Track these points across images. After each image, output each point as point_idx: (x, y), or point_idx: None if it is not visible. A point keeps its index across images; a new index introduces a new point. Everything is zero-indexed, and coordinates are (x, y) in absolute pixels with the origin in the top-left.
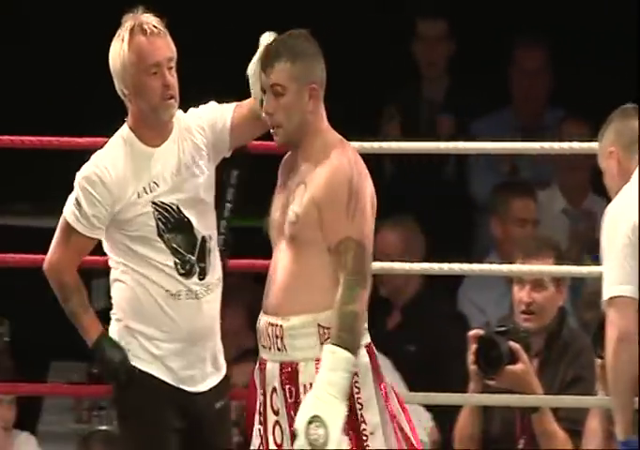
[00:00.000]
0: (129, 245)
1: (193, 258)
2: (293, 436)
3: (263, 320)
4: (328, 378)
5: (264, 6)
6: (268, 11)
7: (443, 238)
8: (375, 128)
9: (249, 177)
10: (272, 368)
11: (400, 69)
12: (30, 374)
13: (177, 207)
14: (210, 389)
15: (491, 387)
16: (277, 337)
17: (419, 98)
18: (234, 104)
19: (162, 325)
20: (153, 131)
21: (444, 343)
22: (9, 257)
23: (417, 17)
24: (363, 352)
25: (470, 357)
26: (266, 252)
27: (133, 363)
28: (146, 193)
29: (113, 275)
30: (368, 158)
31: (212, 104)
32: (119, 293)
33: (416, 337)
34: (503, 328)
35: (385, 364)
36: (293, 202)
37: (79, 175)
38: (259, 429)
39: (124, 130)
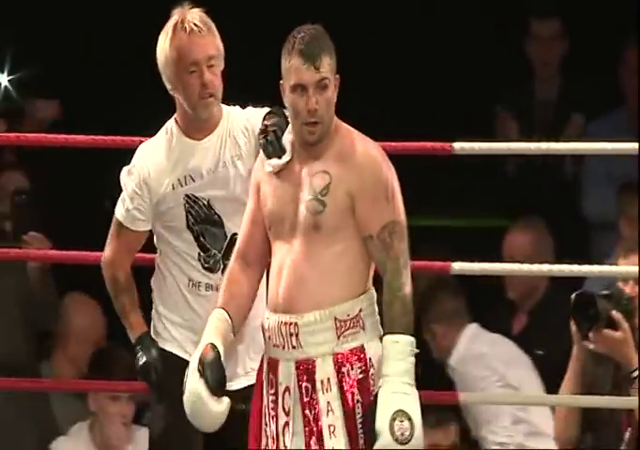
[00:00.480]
0: (164, 233)
1: (219, 254)
2: (368, 435)
3: (272, 319)
4: (398, 369)
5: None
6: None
7: (565, 240)
8: (488, 129)
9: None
10: (286, 367)
11: (512, 69)
12: None
13: (208, 202)
14: (235, 391)
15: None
16: (291, 334)
17: (532, 98)
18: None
19: (184, 313)
20: (195, 126)
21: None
22: None
23: (530, 17)
24: (378, 344)
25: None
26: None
27: (161, 345)
28: (181, 186)
29: (155, 261)
30: (486, 160)
31: (263, 110)
32: (154, 279)
33: (543, 340)
34: (606, 292)
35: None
36: (311, 193)
37: (123, 170)
38: (265, 430)
39: (171, 122)
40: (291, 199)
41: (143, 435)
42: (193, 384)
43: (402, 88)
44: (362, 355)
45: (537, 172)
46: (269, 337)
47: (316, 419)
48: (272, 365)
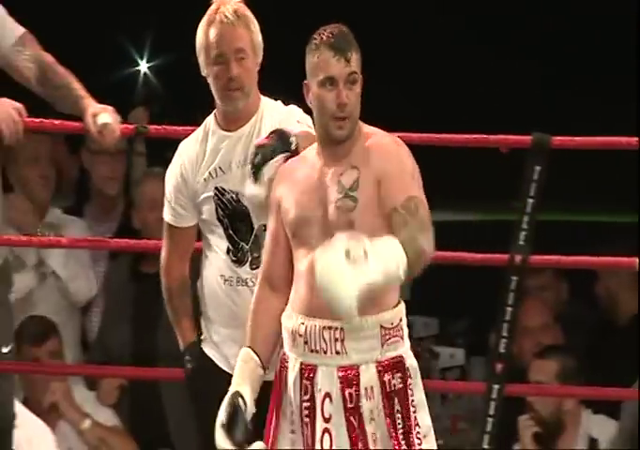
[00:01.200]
0: (200, 227)
1: (247, 246)
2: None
3: (310, 324)
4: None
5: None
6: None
7: None
8: None
9: (550, 173)
10: (326, 374)
11: None
12: None
13: (237, 195)
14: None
15: None
16: (336, 339)
17: None
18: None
19: (219, 308)
20: (227, 117)
21: None
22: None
23: None
24: (411, 354)
25: None
26: (571, 248)
27: (203, 346)
28: (212, 177)
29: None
30: None
31: (293, 110)
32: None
33: None
34: None
35: None
36: (340, 191)
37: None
38: (290, 436)
39: (211, 115)
40: (318, 202)
41: None
42: (221, 442)
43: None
44: (402, 365)
45: None
46: (306, 342)
47: (361, 426)
48: (307, 370)
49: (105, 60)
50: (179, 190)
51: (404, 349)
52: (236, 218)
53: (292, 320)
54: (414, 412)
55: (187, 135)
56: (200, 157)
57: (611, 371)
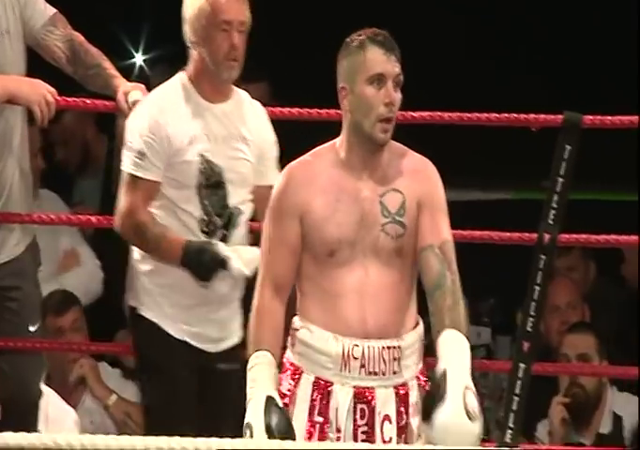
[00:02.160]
0: (163, 190)
1: (220, 222)
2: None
3: (366, 346)
4: (466, 363)
5: None
6: None
7: None
8: None
9: (580, 152)
10: (384, 395)
11: None
12: None
13: (220, 170)
14: (220, 353)
15: None
16: (395, 359)
17: None
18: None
19: (177, 276)
20: (211, 86)
21: None
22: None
23: None
24: None
25: None
26: (600, 226)
27: (143, 313)
28: (197, 143)
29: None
30: None
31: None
32: None
33: None
34: None
35: None
36: (387, 215)
37: (131, 121)
38: None
39: (182, 78)
40: (360, 222)
41: None
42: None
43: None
44: (424, 377)
45: None
46: (362, 366)
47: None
48: (362, 394)
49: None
50: (160, 143)
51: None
52: (216, 192)
53: (337, 342)
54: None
55: None
56: (184, 118)
57: (636, 350)
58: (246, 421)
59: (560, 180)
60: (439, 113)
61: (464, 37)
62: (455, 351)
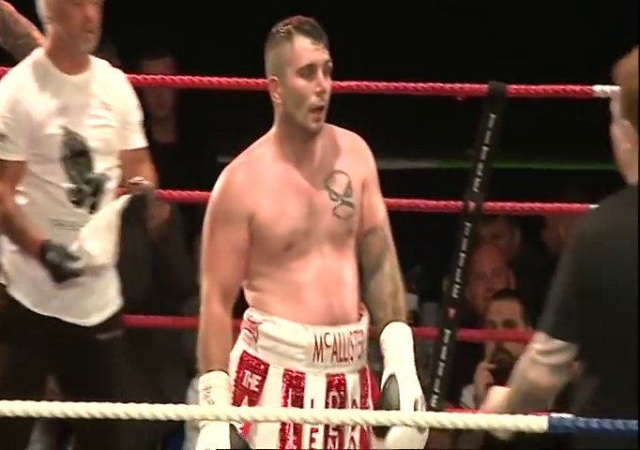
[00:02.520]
0: (29, 167)
1: (88, 190)
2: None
3: (336, 332)
4: (410, 355)
5: None
6: None
7: None
8: None
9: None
10: (353, 381)
11: None
12: None
13: (83, 139)
14: (101, 323)
15: None
16: (359, 343)
17: None
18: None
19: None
20: (69, 59)
21: None
22: None
23: None
24: None
25: None
26: (528, 195)
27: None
28: (58, 115)
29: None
30: None
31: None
32: None
33: None
34: None
35: None
36: (335, 198)
37: None
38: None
39: (39, 55)
40: (309, 210)
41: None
42: None
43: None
44: None
45: None
46: (335, 353)
47: (368, 428)
48: (334, 381)
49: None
50: (19, 121)
51: None
52: (80, 161)
53: (306, 333)
54: None
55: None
56: (43, 93)
57: None
58: (205, 447)
59: (485, 149)
60: (366, 83)
61: (396, 7)
62: (401, 348)
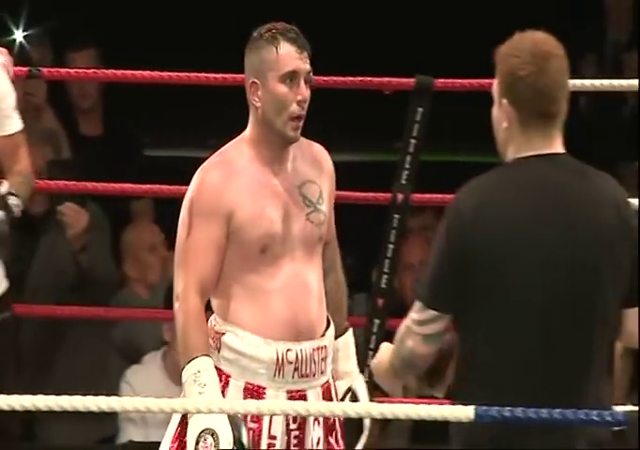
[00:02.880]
0: None
1: None
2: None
3: (299, 348)
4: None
5: None
6: None
7: None
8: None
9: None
10: (314, 396)
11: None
12: None
13: None
14: None
15: None
16: (322, 359)
17: (604, 39)
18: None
19: None
20: None
21: None
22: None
23: None
24: None
25: None
26: (455, 187)
27: None
28: None
29: None
30: None
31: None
32: None
33: None
34: None
35: None
36: (309, 204)
37: None
38: None
39: None
40: (286, 215)
41: None
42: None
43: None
44: None
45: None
46: (296, 369)
47: (337, 442)
48: (295, 397)
49: None
50: None
51: None
52: None
53: (269, 348)
54: None
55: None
56: None
57: None
58: (204, 426)
59: (413, 141)
60: None
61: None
62: (354, 359)
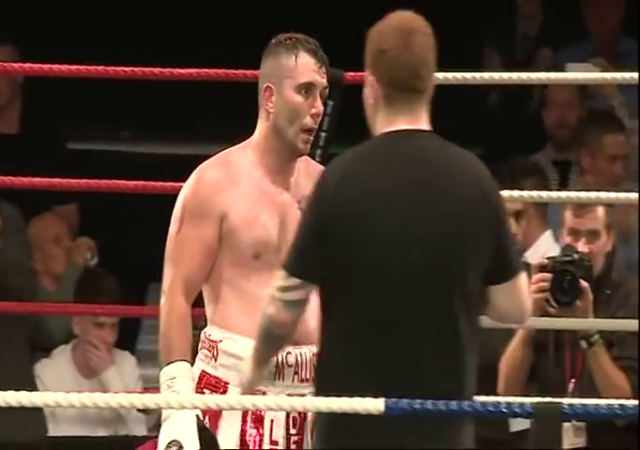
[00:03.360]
0: None
1: None
2: None
3: (299, 352)
4: None
5: None
6: None
7: None
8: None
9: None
10: None
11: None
12: (129, 296)
13: None
14: None
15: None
16: (314, 366)
17: (515, 33)
18: None
19: None
20: None
21: None
22: (112, 182)
23: None
24: None
25: (538, 285)
26: None
27: None
28: None
29: None
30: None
31: None
32: None
33: None
34: (569, 258)
35: None
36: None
37: None
38: None
39: None
40: (282, 225)
41: (124, 359)
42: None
43: None
44: None
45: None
46: (296, 373)
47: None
48: None
49: None
50: None
51: None
52: None
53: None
54: None
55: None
56: None
57: None
58: (172, 438)
59: (323, 135)
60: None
61: None
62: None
